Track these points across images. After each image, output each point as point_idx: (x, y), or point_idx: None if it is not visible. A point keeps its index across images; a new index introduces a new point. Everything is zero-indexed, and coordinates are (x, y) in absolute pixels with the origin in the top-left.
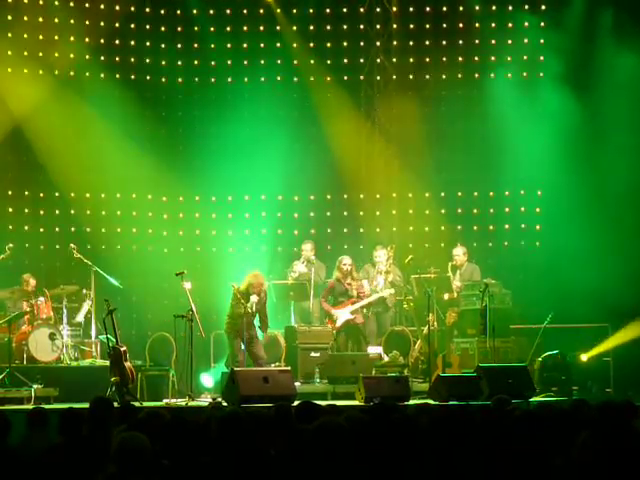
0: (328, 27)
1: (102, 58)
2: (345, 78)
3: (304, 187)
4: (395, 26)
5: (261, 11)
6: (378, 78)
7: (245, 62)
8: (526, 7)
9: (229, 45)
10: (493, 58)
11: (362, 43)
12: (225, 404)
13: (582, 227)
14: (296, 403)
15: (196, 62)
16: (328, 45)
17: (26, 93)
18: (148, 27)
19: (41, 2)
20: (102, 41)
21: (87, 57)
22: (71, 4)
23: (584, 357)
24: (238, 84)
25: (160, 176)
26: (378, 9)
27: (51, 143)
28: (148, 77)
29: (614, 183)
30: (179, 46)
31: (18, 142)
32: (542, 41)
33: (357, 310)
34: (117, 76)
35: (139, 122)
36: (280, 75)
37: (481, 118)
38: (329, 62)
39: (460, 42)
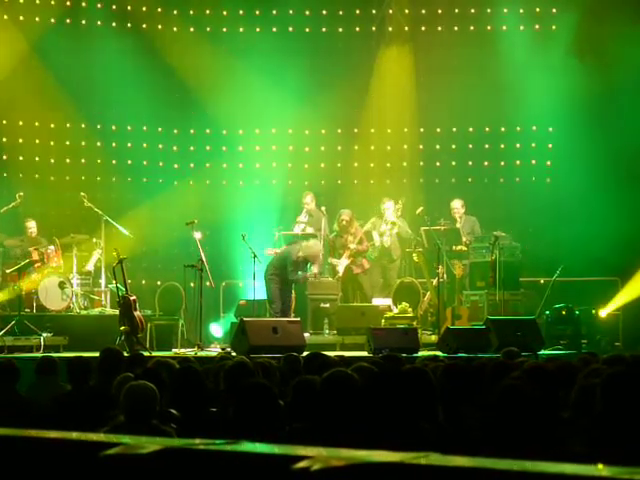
0: None
1: (114, 7)
2: (357, 29)
3: (313, 138)
4: None
5: None
6: (390, 29)
7: (257, 12)
8: None
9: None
10: (505, 10)
11: None
12: (234, 354)
13: (592, 179)
14: (305, 354)
15: (208, 11)
16: None
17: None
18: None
19: None
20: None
21: (99, 6)
22: None
23: (603, 313)
24: (250, 34)
25: (171, 126)
26: None
27: (59, 91)
28: (160, 26)
29: (626, 133)
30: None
31: (28, 86)
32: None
33: (354, 261)
34: (129, 25)
35: (148, 71)
36: (292, 26)
37: (492, 69)
38: (341, 13)
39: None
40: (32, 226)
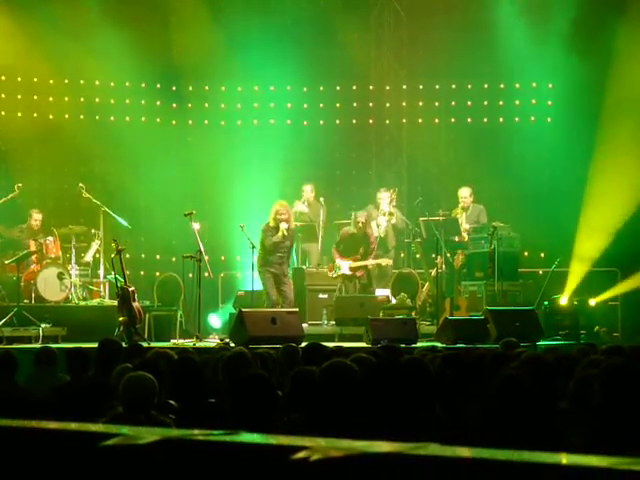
0: None
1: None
2: (356, 18)
3: (311, 129)
4: None
5: None
6: (389, 19)
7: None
8: None
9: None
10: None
11: None
12: (232, 345)
13: (591, 171)
14: (304, 344)
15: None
16: None
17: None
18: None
19: None
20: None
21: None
22: None
23: (592, 302)
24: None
25: (170, 118)
26: None
27: (58, 83)
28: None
29: (626, 124)
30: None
31: (25, 76)
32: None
33: (356, 268)
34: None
35: (147, 61)
36: (291, 13)
37: (491, 56)
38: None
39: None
40: (38, 218)
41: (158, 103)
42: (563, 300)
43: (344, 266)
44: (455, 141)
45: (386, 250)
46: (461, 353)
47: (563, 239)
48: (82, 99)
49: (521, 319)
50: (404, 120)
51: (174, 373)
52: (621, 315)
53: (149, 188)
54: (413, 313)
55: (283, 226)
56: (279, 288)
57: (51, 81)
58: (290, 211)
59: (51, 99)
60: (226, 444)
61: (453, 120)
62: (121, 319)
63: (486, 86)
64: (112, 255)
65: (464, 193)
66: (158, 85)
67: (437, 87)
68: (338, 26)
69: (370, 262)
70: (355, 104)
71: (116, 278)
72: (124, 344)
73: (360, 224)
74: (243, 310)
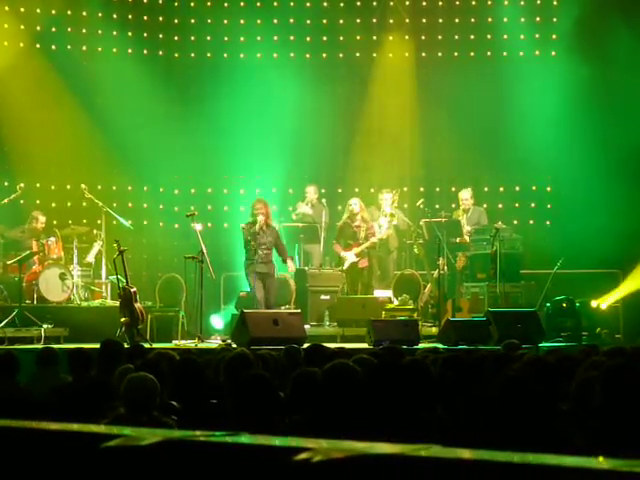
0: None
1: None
2: (358, 21)
3: (314, 130)
4: None
5: None
6: (391, 21)
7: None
8: None
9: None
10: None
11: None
12: (234, 346)
13: (594, 173)
14: (305, 346)
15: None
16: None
17: None
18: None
19: None
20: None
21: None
22: None
23: (594, 303)
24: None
25: (171, 115)
26: None
27: (60, 82)
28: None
29: (627, 127)
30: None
31: (29, 77)
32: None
33: (361, 253)
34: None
35: (149, 64)
36: (293, 18)
37: (493, 64)
38: (342, 5)
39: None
40: (42, 221)
41: (161, 105)
42: (565, 302)
43: (350, 256)
44: (457, 143)
45: (388, 251)
46: (462, 354)
47: (565, 240)
48: (83, 99)
49: (523, 321)
50: (406, 121)
51: (176, 374)
52: (623, 317)
53: (151, 189)
54: (415, 314)
55: (259, 218)
56: (265, 287)
57: (52, 80)
58: (268, 207)
59: (53, 98)
60: (228, 445)
61: (455, 122)
62: (123, 320)
63: (487, 85)
64: (114, 256)
65: (465, 195)
66: (161, 88)
67: (438, 87)
68: (340, 29)
69: (372, 240)
70: (357, 105)
71: (118, 279)
72: (126, 345)
73: (352, 207)
74: (245, 311)
